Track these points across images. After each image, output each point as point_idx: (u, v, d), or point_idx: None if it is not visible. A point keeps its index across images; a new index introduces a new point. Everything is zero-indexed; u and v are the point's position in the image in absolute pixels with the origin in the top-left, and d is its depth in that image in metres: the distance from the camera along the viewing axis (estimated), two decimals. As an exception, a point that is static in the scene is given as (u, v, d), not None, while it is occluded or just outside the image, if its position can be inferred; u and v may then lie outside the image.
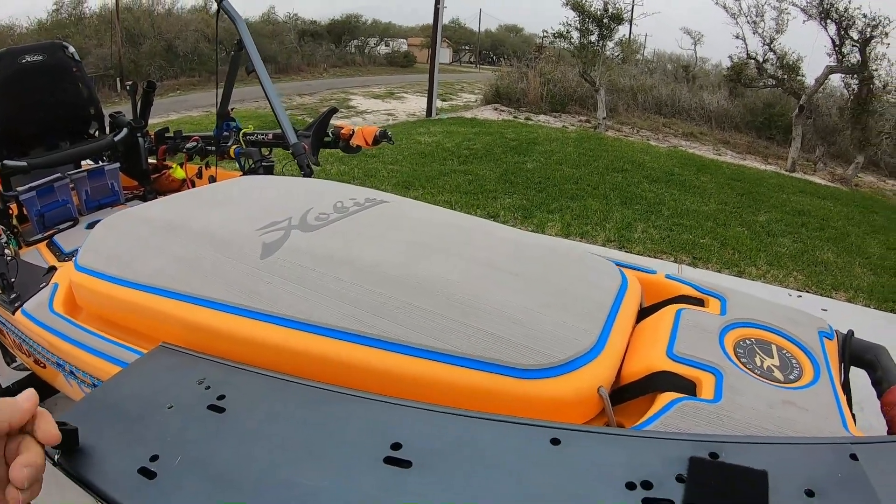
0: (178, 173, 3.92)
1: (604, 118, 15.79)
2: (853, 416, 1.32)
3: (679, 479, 0.88)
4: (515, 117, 16.50)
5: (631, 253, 6.77)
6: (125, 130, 3.70)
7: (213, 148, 3.92)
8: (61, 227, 3.22)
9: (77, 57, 3.66)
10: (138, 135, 3.78)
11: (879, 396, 1.34)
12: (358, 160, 9.46)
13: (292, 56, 28.08)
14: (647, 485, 0.88)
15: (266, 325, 1.41)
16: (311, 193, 2.18)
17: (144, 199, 3.71)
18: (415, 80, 26.19)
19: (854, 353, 1.52)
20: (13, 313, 2.11)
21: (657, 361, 1.27)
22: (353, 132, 3.60)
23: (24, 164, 3.12)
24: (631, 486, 0.88)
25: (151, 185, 3.85)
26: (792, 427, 1.08)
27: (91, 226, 3.12)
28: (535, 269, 1.59)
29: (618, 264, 1.78)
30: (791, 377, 1.27)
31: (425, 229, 1.84)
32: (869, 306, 6.41)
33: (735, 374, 1.22)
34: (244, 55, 3.49)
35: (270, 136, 3.80)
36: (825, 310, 6.04)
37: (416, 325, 1.30)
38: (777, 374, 1.27)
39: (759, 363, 1.30)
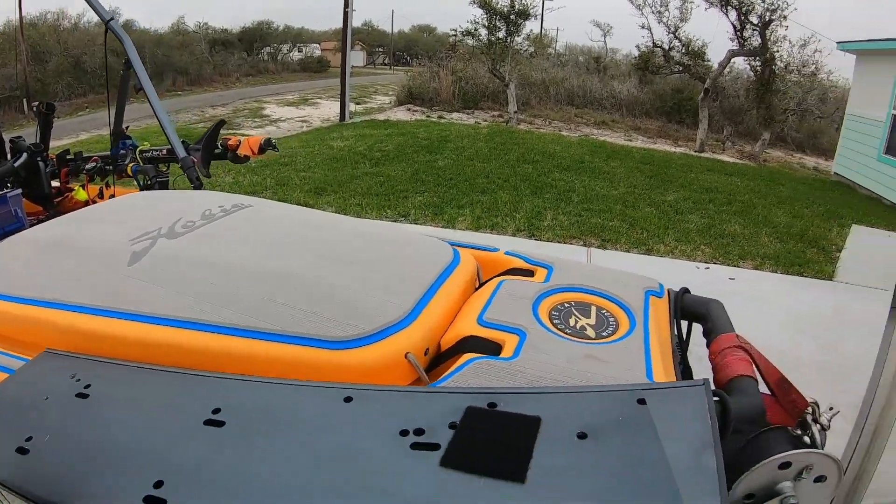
0: (81, 195, 3.79)
1: (515, 112, 15.86)
2: (689, 367, 1.51)
3: (452, 426, 0.96)
4: (428, 116, 16.46)
5: (541, 240, 6.71)
6: (25, 155, 3.53)
7: (111, 167, 3.83)
8: None
9: None
10: (38, 158, 3.62)
11: (708, 347, 1.40)
12: (271, 169, 9.28)
13: (204, 67, 27.25)
14: (419, 432, 0.95)
15: (130, 324, 1.45)
16: (185, 204, 2.22)
17: None
18: (329, 85, 25.88)
19: (686, 308, 1.61)
20: None
21: (467, 327, 1.36)
22: (240, 142, 3.66)
23: None
24: (404, 433, 0.96)
25: (55, 209, 3.65)
26: (588, 378, 1.14)
27: None
28: (368, 254, 1.71)
29: (464, 246, 1.87)
30: (604, 333, 1.34)
31: (278, 228, 1.96)
32: (776, 272, 6.56)
33: (539, 334, 1.30)
34: (133, 74, 3.48)
35: (164, 152, 3.78)
36: (732, 278, 6.17)
37: (251, 309, 1.38)
38: (589, 332, 1.35)
39: (572, 323, 1.38)
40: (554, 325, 1.36)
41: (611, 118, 18.40)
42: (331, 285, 1.48)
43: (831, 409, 1.17)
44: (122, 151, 3.85)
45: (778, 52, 15.06)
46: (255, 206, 2.12)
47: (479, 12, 16.25)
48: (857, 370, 4.27)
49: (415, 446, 0.93)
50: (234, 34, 33.73)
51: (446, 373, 1.22)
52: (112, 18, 3.45)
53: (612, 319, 1.41)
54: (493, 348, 1.29)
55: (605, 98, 19.97)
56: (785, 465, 0.99)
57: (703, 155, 14.17)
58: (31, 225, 3.40)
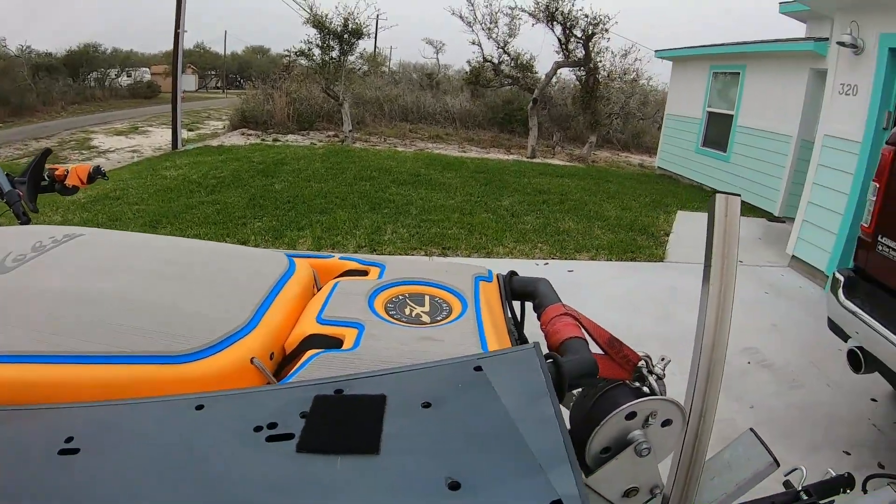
0: None
1: (350, 131, 15.78)
2: (526, 341, 1.57)
3: (302, 415, 0.98)
4: (263, 140, 16.03)
5: (382, 254, 6.63)
6: None
7: None
8: None
9: None
10: None
11: (538, 319, 1.50)
12: (101, 204, 8.62)
13: (26, 95, 24.75)
14: (272, 425, 0.97)
15: None
16: (14, 238, 2.05)
17: None
18: (160, 112, 24.65)
19: (515, 289, 1.71)
20: None
21: (308, 327, 1.40)
22: (68, 172, 3.42)
23: None
24: (258, 429, 0.96)
25: None
26: (425, 357, 1.18)
27: None
28: (201, 271, 1.68)
29: (301, 255, 1.89)
30: (438, 318, 1.43)
31: (111, 252, 1.86)
32: (610, 260, 6.91)
33: (376, 325, 1.37)
34: None
35: None
36: (571, 270, 6.39)
37: (85, 334, 1.31)
38: (424, 318, 1.44)
39: (408, 313, 1.46)
40: (390, 315, 1.44)
41: (444, 132, 18.76)
42: (165, 301, 1.47)
43: (663, 359, 1.32)
44: None
45: (601, 62, 16.03)
46: (88, 234, 2.00)
47: (312, 32, 16.08)
48: (692, 334, 4.91)
49: (269, 439, 0.95)
50: (58, 58, 31.53)
51: (291, 370, 1.25)
52: None
53: (444, 305, 1.51)
54: (334, 343, 1.34)
55: (439, 112, 20.37)
56: (631, 416, 1.09)
57: (535, 161, 14.70)
58: None
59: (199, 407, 1.06)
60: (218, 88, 51.53)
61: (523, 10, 16.22)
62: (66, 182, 3.37)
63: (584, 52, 15.50)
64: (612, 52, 16.51)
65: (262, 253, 1.93)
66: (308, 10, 15.70)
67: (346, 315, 1.42)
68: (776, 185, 9.93)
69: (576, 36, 15.45)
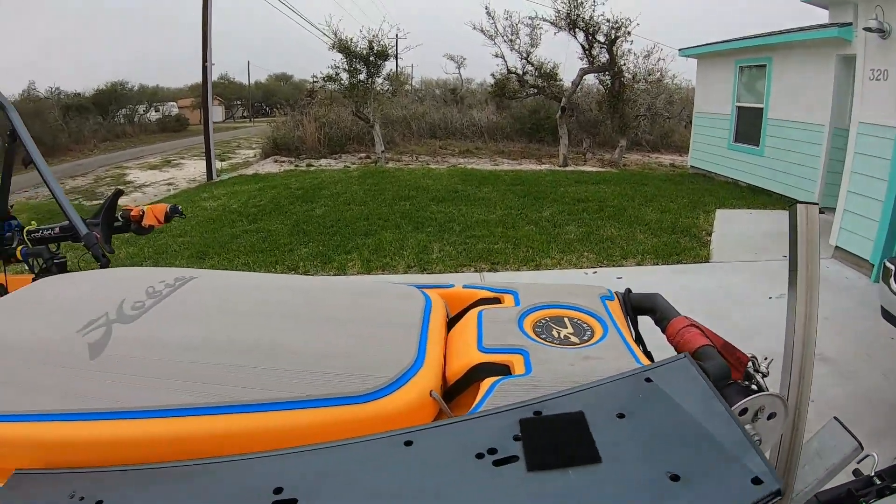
0: None
1: (382, 151, 15.97)
2: (649, 352, 1.65)
3: (516, 438, 1.06)
4: (297, 166, 16.30)
5: (433, 273, 6.74)
6: None
7: None
8: None
9: None
10: None
11: (664, 332, 1.61)
12: (147, 239, 8.69)
13: (59, 135, 25.35)
14: (492, 451, 1.04)
15: (114, 423, 1.36)
16: (120, 283, 2.11)
17: None
18: (190, 144, 25.11)
19: (634, 305, 1.81)
20: None
21: (472, 357, 1.45)
22: (143, 212, 3.42)
23: None
24: (480, 455, 1.04)
25: None
26: (594, 374, 1.26)
27: None
28: (345, 311, 1.73)
29: (419, 287, 1.94)
30: (585, 338, 1.51)
31: (237, 297, 1.92)
32: (657, 264, 6.94)
33: (538, 349, 1.43)
34: (19, 146, 3.15)
35: (57, 230, 3.43)
36: (620, 277, 6.44)
37: (253, 383, 1.36)
38: (573, 339, 1.51)
39: (556, 335, 1.53)
40: (542, 339, 1.50)
41: (474, 146, 18.86)
42: (328, 344, 1.51)
43: (766, 358, 1.42)
44: (7, 234, 3.47)
45: (625, 64, 16.02)
46: (200, 277, 2.05)
47: (338, 56, 16.30)
48: (751, 329, 4.85)
49: (496, 463, 1.02)
50: (87, 98, 32.20)
51: (477, 400, 1.30)
52: None
53: (586, 326, 1.57)
54: (501, 370, 1.40)
55: (466, 127, 20.48)
56: (743, 412, 1.17)
57: (567, 169, 14.75)
58: None
59: (408, 443, 1.11)
60: (244, 118, 52.25)
61: (544, 20, 16.27)
62: (144, 223, 3.39)
63: (608, 56, 15.53)
64: (635, 54, 16.52)
65: (392, 287, 1.99)
66: (333, 36, 15.92)
67: (507, 342, 1.48)
68: (812, 175, 9.86)
69: (599, 41, 15.50)
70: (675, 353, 1.44)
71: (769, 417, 1.22)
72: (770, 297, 5.67)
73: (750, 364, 1.40)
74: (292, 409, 1.29)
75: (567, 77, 17.80)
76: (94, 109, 31.10)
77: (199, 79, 15.51)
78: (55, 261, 3.17)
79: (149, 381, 1.43)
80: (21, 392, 1.51)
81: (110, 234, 3.41)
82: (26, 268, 3.36)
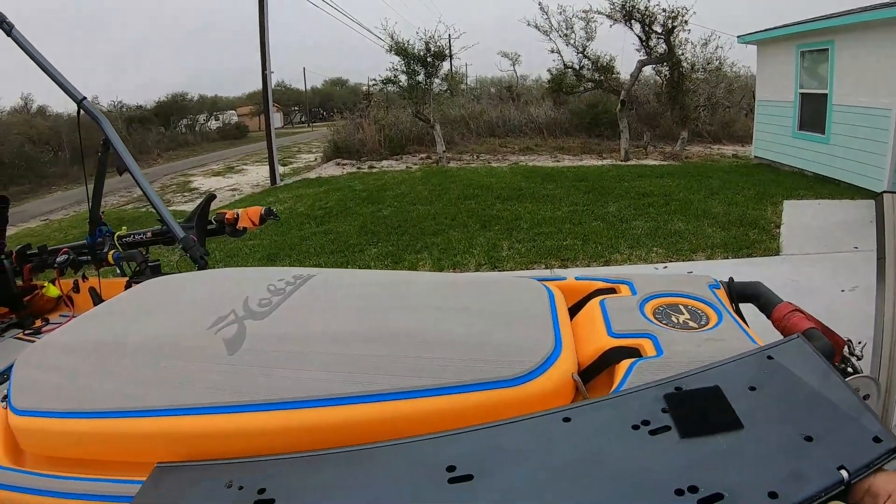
0: (52, 291, 3.53)
1: (444, 151, 16.14)
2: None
3: (664, 410, 1.18)
4: (359, 168, 16.57)
5: (504, 270, 6.85)
6: None
7: (87, 258, 3.56)
8: None
9: None
10: (2, 257, 3.44)
11: (769, 317, 1.74)
12: (216, 242, 8.98)
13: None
14: (645, 422, 1.15)
15: (265, 414, 1.43)
16: (235, 283, 2.18)
17: (21, 325, 3.35)
18: (251, 150, 25.70)
19: (738, 292, 1.92)
20: None
21: (604, 342, 1.56)
22: (238, 215, 3.51)
23: None
24: (636, 427, 1.15)
25: (25, 309, 3.47)
26: (719, 354, 1.37)
27: None
28: (476, 302, 1.80)
29: (538, 279, 2.03)
30: (702, 323, 1.61)
31: (365, 291, 1.98)
32: (727, 258, 6.92)
33: (664, 333, 1.54)
34: (111, 155, 3.29)
35: (150, 235, 3.56)
36: (690, 272, 6.36)
37: (407, 371, 1.43)
38: (692, 324, 1.61)
39: (676, 321, 1.63)
40: (664, 325, 1.61)
41: (533, 143, 18.85)
42: (472, 332, 1.58)
43: (860, 342, 1.55)
44: (98, 239, 3.57)
45: (683, 54, 15.78)
46: (319, 275, 2.10)
47: (396, 59, 16.46)
48: (827, 322, 4.92)
49: (653, 432, 1.13)
50: (149, 110, 33.22)
51: (618, 380, 1.40)
52: (84, 98, 3.30)
53: (700, 312, 1.67)
54: (632, 353, 1.50)
55: (525, 124, 20.48)
56: None
57: (629, 163, 14.66)
58: (2, 330, 3.33)
59: (567, 419, 1.22)
60: (303, 123, 52.94)
61: (599, 13, 16.13)
62: (239, 225, 3.46)
63: (665, 47, 15.34)
64: (692, 43, 16.25)
65: (512, 280, 2.09)
66: (390, 39, 16.13)
67: (635, 328, 1.59)
68: (880, 162, 9.53)
69: (656, 32, 15.32)
70: (782, 336, 1.56)
71: (864, 398, 1.27)
72: (843, 290, 5.60)
73: (846, 347, 1.52)
74: (453, 394, 1.37)
75: (624, 70, 17.71)
76: (156, 121, 32.14)
77: (255, 87, 16.01)
78: (149, 264, 3.25)
79: (295, 372, 1.49)
80: (156, 388, 1.58)
81: (204, 237, 3.47)
82: (118, 272, 3.46)
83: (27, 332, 3.30)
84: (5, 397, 1.88)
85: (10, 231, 3.58)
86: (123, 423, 1.53)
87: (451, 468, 1.15)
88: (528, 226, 8.46)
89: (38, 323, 3.42)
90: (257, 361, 1.55)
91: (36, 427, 1.68)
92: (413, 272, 2.20)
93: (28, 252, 3.70)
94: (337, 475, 1.25)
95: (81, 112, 3.35)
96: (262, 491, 1.21)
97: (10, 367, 2.71)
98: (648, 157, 15.78)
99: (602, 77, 17.39)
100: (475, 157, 16.95)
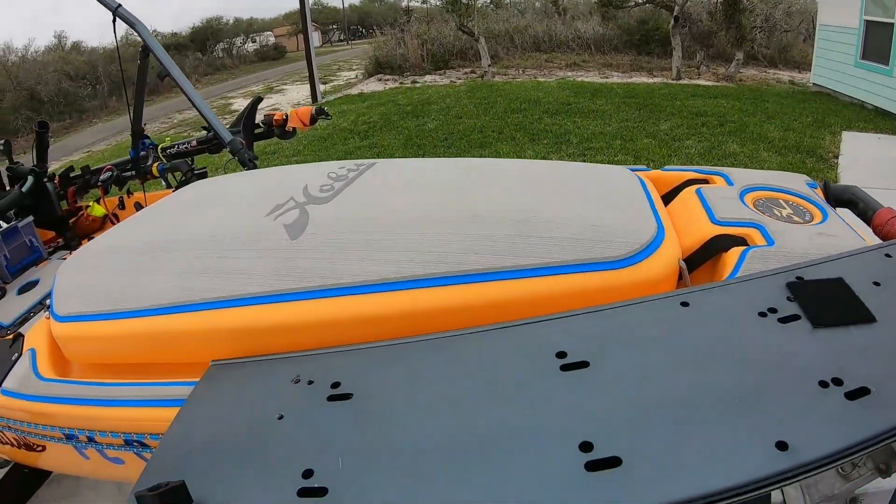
0: (97, 210, 3.51)
1: (489, 65, 15.76)
2: None
3: (789, 299, 1.11)
4: (402, 83, 16.27)
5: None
6: (30, 179, 3.30)
7: (131, 173, 3.57)
8: None
9: None
10: (45, 180, 3.40)
11: (869, 223, 1.62)
12: (259, 160, 8.99)
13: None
14: (772, 310, 1.09)
15: (335, 301, 1.33)
16: (290, 175, 2.08)
17: (69, 247, 3.35)
18: (290, 70, 25.41)
19: (835, 196, 1.79)
20: None
21: (708, 230, 1.47)
22: (287, 116, 3.39)
23: None
24: (762, 314, 1.08)
25: (72, 231, 3.47)
26: (833, 249, 1.31)
27: (22, 290, 2.84)
28: (566, 183, 1.70)
29: (632, 169, 1.93)
30: (807, 218, 1.53)
31: (441, 175, 1.86)
32: (784, 185, 6.63)
33: (772, 223, 1.45)
34: (152, 62, 3.23)
35: (194, 144, 3.52)
36: None
37: (501, 251, 1.33)
38: (796, 219, 1.52)
39: (779, 214, 1.53)
40: (769, 216, 1.51)
41: (581, 59, 18.30)
42: (559, 212, 1.47)
43: None
44: (142, 153, 3.59)
45: (742, -31, 14.95)
46: (384, 162, 1.98)
47: (437, -29, 15.98)
48: None
49: (782, 320, 1.06)
50: (184, 37, 33.01)
51: (731, 267, 1.33)
52: (119, 6, 3.19)
53: (802, 208, 1.58)
54: (738, 241, 1.42)
55: (572, 39, 19.85)
56: None
57: (681, 82, 14.19)
58: (51, 253, 3.29)
59: (685, 304, 1.14)
60: (342, 41, 52.21)
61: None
62: (288, 126, 3.37)
63: (723, -40, 14.53)
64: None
65: (596, 167, 1.94)
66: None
67: (741, 216, 1.49)
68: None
69: (713, -56, 14.54)
70: (882, 241, 1.51)
71: None
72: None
73: None
74: (555, 275, 1.27)
75: None
76: (192, 47, 32.03)
77: (291, 7, 15.60)
78: (195, 172, 3.22)
79: (370, 254, 1.39)
80: (213, 280, 1.48)
81: (252, 141, 3.42)
82: (163, 184, 3.47)
83: (74, 253, 3.29)
84: (48, 307, 1.87)
85: (54, 165, 3.53)
86: (174, 320, 1.45)
87: (561, 354, 1.07)
88: (578, 140, 8.28)
89: (85, 243, 3.35)
90: (324, 245, 1.45)
91: (79, 332, 1.62)
92: (487, 159, 2.03)
93: (71, 174, 3.69)
94: (424, 365, 1.15)
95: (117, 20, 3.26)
96: (336, 385, 1.13)
97: None
98: (701, 77, 15.23)
99: (655, -9, 16.69)
100: (521, 71, 16.51)
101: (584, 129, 8.90)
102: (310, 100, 15.77)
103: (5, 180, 3.47)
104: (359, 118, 11.38)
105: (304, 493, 0.93)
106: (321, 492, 0.92)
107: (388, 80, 17.24)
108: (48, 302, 1.95)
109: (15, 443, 1.99)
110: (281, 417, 1.11)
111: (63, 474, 3.07)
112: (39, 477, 2.98)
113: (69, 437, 1.66)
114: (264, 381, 1.25)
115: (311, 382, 1.17)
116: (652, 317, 1.13)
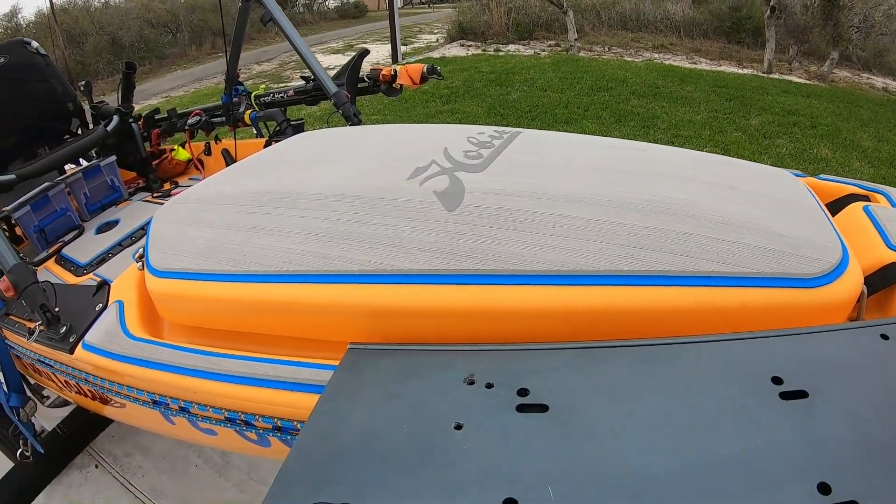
0: (182, 154, 3.56)
1: (575, 39, 15.52)
2: None
3: None
4: (484, 50, 16.10)
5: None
6: (116, 118, 3.34)
7: (221, 119, 3.55)
8: (66, 238, 2.83)
9: (42, 51, 3.28)
10: (130, 120, 3.43)
11: None
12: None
13: None
14: None
15: (507, 289, 1.18)
16: (420, 135, 1.90)
17: (150, 189, 3.37)
18: (371, 29, 25.30)
19: None
20: (71, 351, 1.70)
21: (885, 254, 1.33)
22: (396, 73, 3.28)
23: (12, 176, 2.65)
24: None
25: (155, 174, 3.50)
26: None
27: (101, 230, 2.81)
28: (739, 182, 1.51)
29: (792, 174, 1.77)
30: None
31: (600, 154, 1.67)
32: (878, 199, 6.43)
33: None
34: (251, 7, 3.16)
35: (291, 93, 3.46)
36: None
37: (688, 250, 1.19)
38: None
39: None
40: None
41: (668, 41, 17.85)
42: (740, 214, 1.30)
43: None
44: (234, 99, 3.52)
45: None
46: (526, 132, 1.80)
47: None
48: None
49: None
50: (266, -11, 33.25)
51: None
52: None
53: None
54: None
55: (660, 20, 19.38)
56: None
57: (772, 76, 13.76)
58: (131, 194, 3.28)
59: (885, 336, 1.02)
60: (423, 4, 51.64)
61: None
62: (397, 83, 3.27)
63: (825, -49, 13.77)
64: (856, -46, 14.67)
65: (762, 166, 1.74)
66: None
67: None
68: None
69: (816, -66, 13.81)
70: None
71: None
72: None
73: None
74: (746, 287, 1.14)
75: None
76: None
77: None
78: (291, 123, 3.09)
79: (553, 239, 1.24)
80: (354, 248, 1.33)
81: (355, 95, 3.31)
82: (254, 132, 3.43)
83: (156, 195, 3.30)
84: (141, 257, 1.74)
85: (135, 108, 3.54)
86: (308, 291, 1.32)
87: (776, 380, 0.96)
88: (666, 126, 8.17)
89: (167, 186, 3.42)
90: (490, 222, 1.29)
91: (183, 291, 1.51)
92: (641, 142, 1.77)
93: (156, 117, 3.70)
94: (623, 376, 1.02)
95: None
96: (523, 392, 0.97)
97: (140, 228, 2.70)
98: (792, 73, 14.74)
99: (751, -22, 16.11)
100: (606, 49, 16.20)
101: (671, 114, 8.76)
102: (390, 60, 15.69)
103: (89, 119, 3.53)
104: (440, 82, 11.31)
105: None
106: None
107: (470, 45, 17.08)
108: (138, 251, 1.84)
109: (89, 395, 1.92)
110: (459, 427, 0.95)
111: None
112: (103, 420, 2.99)
113: (157, 403, 1.57)
114: (428, 378, 1.09)
115: (489, 386, 1.02)
116: (855, 346, 1.02)
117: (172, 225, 1.69)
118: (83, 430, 3.07)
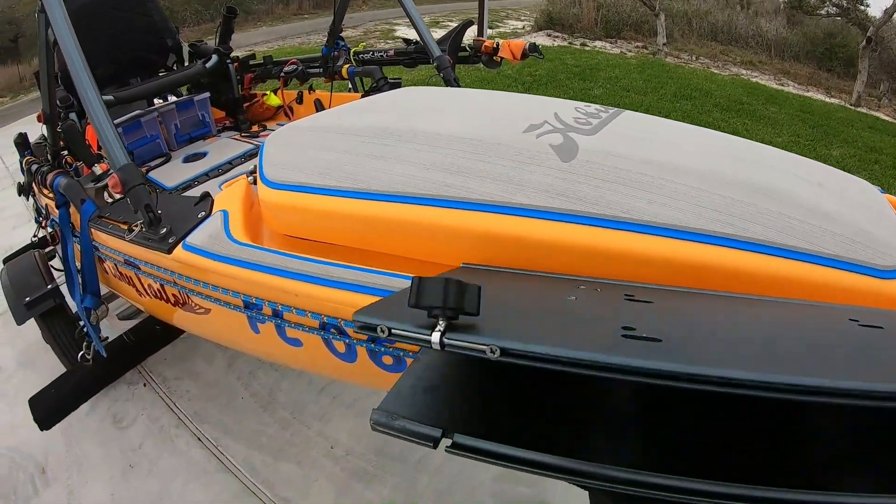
0: (273, 100, 3.75)
1: (664, 44, 15.42)
2: None
3: None
4: (571, 43, 16.07)
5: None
6: (215, 57, 3.49)
7: (318, 70, 3.69)
8: (152, 164, 3.02)
9: None
10: (228, 62, 3.59)
11: None
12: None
13: None
14: None
15: (614, 233, 1.29)
16: (527, 101, 2.02)
17: (238, 129, 3.55)
18: (457, 8, 25.15)
19: None
20: (169, 251, 1.76)
21: None
22: (498, 45, 3.39)
23: (111, 97, 2.83)
24: None
25: (244, 115, 3.69)
26: None
27: (188, 160, 2.97)
28: (823, 178, 1.59)
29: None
30: None
31: (696, 138, 1.77)
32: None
33: None
34: None
35: (391, 53, 3.60)
36: None
37: (783, 228, 1.28)
38: None
39: None
40: None
41: (757, 58, 17.52)
42: (834, 207, 1.39)
43: None
44: (334, 53, 3.65)
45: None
46: (629, 112, 1.88)
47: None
48: None
49: None
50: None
51: None
52: None
53: None
54: None
55: (751, 36, 19.04)
56: None
57: (859, 109, 13.47)
58: (219, 131, 3.46)
59: None
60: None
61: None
62: (499, 55, 3.37)
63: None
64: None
65: (837, 171, 1.77)
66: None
67: None
68: None
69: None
70: None
71: None
72: None
73: None
74: (825, 266, 1.23)
75: (875, 4, 15.76)
76: None
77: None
78: (389, 81, 3.22)
79: (648, 195, 1.35)
80: (476, 181, 1.43)
81: (455, 63, 3.41)
82: (350, 87, 3.55)
83: (244, 134, 3.45)
84: (252, 172, 1.92)
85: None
86: (427, 212, 1.42)
87: (854, 320, 1.04)
88: (746, 145, 8.08)
89: (255, 128, 3.57)
90: (604, 176, 1.40)
91: (300, 203, 1.59)
92: (735, 137, 1.84)
93: (251, 62, 3.86)
94: (733, 318, 1.11)
95: None
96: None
97: (228, 162, 2.87)
98: (881, 109, 14.36)
99: (850, 5, 15.78)
100: (694, 58, 16.04)
101: (753, 132, 8.73)
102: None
103: (185, 56, 3.70)
104: (524, 69, 11.34)
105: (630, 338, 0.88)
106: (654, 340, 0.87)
107: (556, 37, 17.04)
108: (251, 168, 1.95)
109: (172, 299, 1.98)
110: (573, 298, 1.10)
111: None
112: (169, 335, 3.05)
113: (249, 307, 1.62)
114: (538, 287, 1.23)
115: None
116: None
117: (288, 147, 1.80)
118: (148, 342, 3.07)
